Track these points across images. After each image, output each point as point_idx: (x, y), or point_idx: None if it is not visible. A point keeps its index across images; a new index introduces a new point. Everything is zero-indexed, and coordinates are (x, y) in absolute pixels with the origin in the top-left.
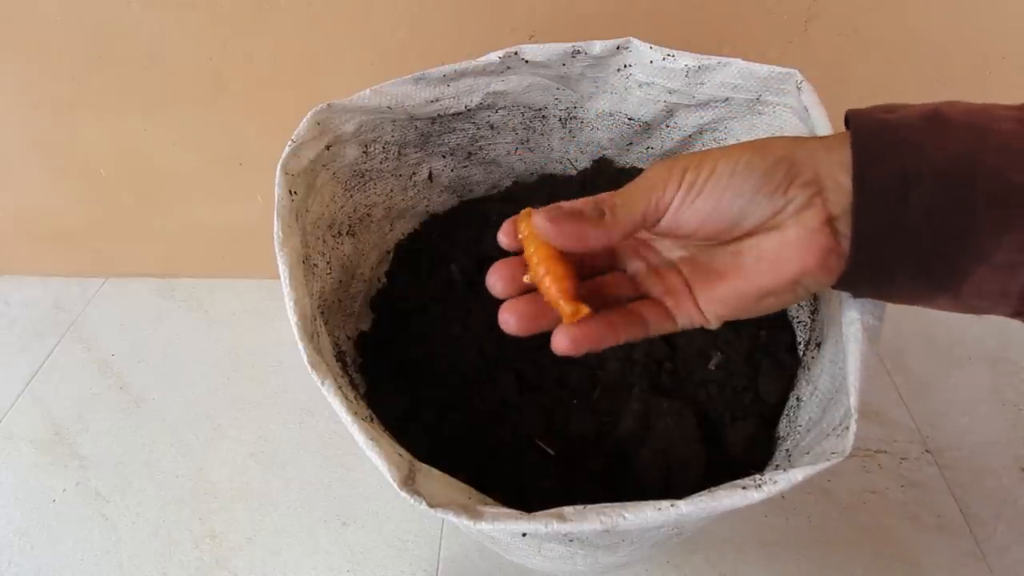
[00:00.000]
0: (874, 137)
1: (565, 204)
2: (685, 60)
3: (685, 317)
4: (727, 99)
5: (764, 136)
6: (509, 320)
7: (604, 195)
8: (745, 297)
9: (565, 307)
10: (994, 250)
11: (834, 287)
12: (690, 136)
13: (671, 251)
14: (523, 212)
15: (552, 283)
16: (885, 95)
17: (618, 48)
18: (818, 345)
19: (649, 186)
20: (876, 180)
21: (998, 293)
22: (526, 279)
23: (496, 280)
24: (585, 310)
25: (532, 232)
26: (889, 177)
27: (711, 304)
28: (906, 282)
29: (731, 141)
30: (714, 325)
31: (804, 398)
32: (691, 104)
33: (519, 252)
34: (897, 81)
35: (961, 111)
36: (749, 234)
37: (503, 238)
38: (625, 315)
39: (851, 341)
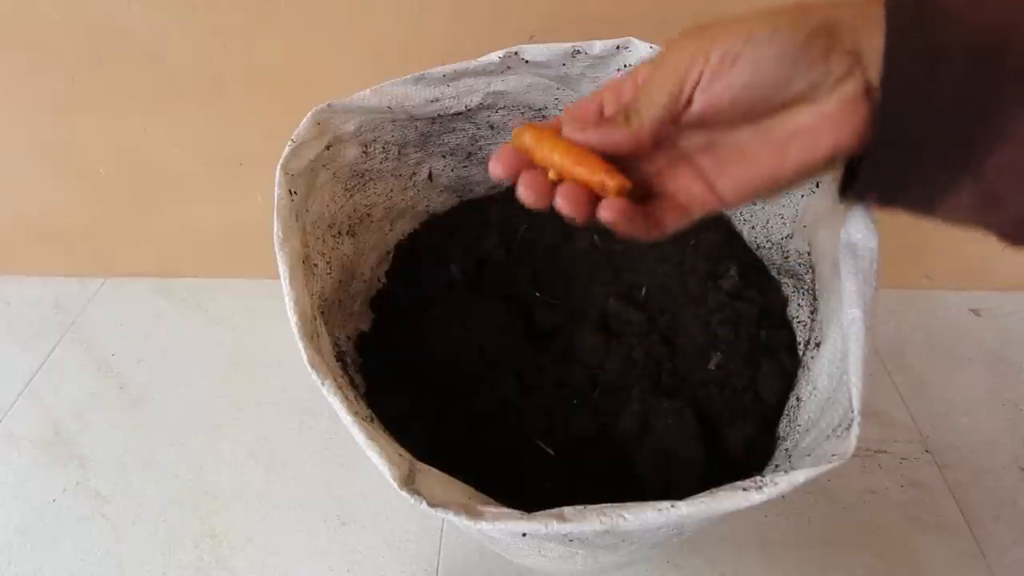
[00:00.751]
0: (910, 8)
1: (586, 109)
2: None
3: (699, 207)
4: None
5: None
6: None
7: (626, 87)
8: (775, 180)
9: (610, 181)
10: (1019, 125)
11: (860, 172)
12: None
13: (690, 138)
14: (520, 129)
15: (590, 165)
16: None
17: (618, 48)
18: (817, 345)
19: (672, 72)
20: (906, 54)
21: (1021, 172)
22: (552, 176)
23: (526, 190)
24: (628, 182)
25: (544, 136)
26: (919, 52)
27: (733, 190)
28: (932, 162)
29: None
30: (735, 206)
31: (804, 398)
32: None
33: (514, 180)
34: None
35: None
36: (783, 107)
37: (498, 166)
38: (646, 213)
39: (852, 340)
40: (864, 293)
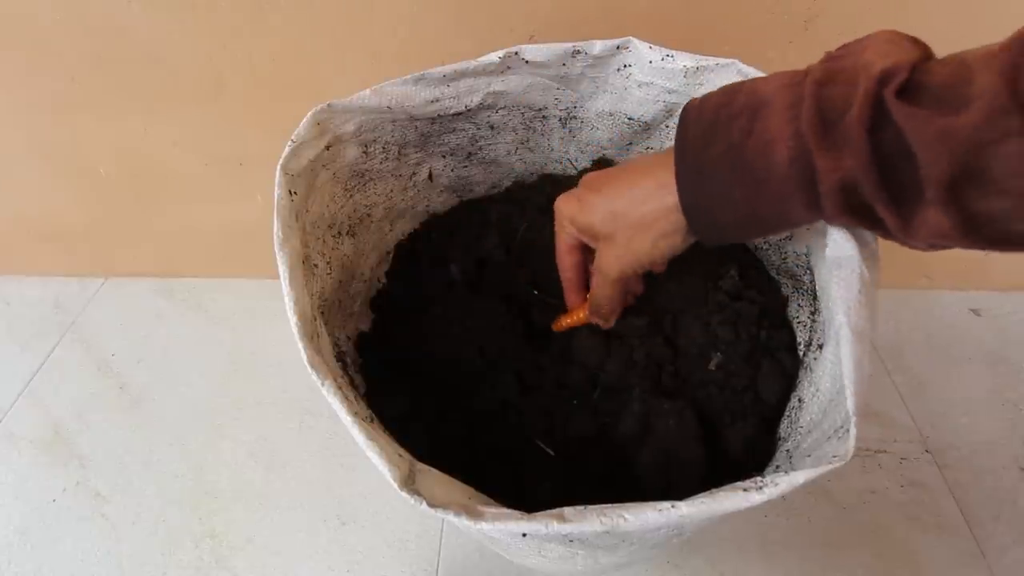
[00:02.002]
0: (686, 165)
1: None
2: (684, 61)
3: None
4: None
5: None
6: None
7: (597, 315)
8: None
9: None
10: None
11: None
12: None
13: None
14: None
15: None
16: None
17: (618, 48)
18: (820, 347)
19: (619, 297)
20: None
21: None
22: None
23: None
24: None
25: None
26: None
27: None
28: (729, 234)
29: None
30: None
31: (806, 399)
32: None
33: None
34: None
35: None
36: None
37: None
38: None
39: (843, 344)
40: (847, 299)
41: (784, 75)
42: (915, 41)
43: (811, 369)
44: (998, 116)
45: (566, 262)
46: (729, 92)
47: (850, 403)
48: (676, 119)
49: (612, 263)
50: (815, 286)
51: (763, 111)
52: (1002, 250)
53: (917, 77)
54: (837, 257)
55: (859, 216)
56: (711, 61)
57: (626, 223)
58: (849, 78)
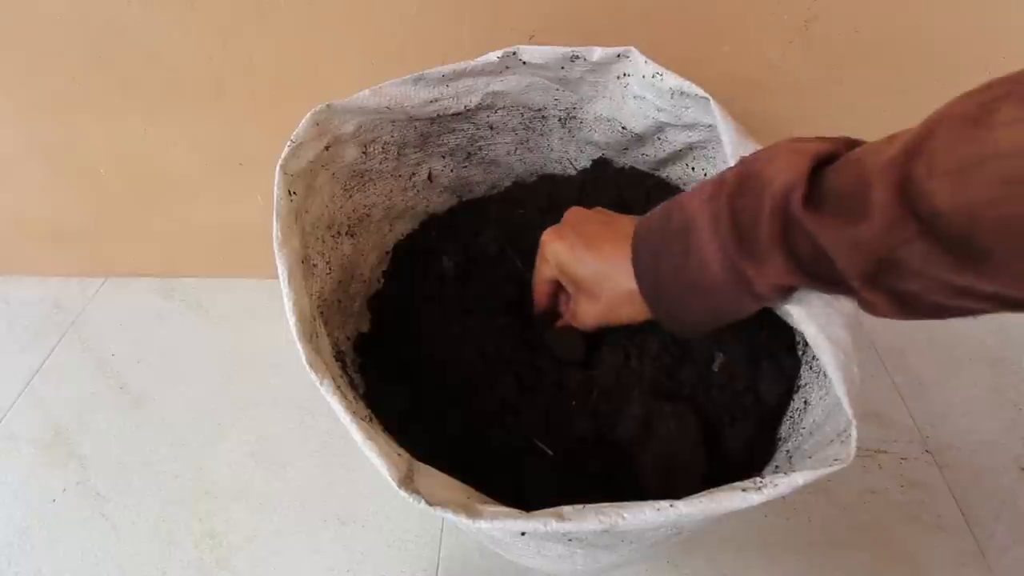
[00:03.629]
0: (645, 282)
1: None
2: (670, 81)
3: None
4: (710, 125)
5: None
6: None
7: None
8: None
9: None
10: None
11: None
12: (680, 151)
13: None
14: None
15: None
16: (885, 95)
17: (618, 56)
18: None
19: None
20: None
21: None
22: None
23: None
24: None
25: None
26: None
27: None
28: (700, 329)
29: (719, 161)
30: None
31: (813, 402)
32: (678, 124)
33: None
34: (897, 81)
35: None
36: None
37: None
38: None
39: (823, 353)
40: (814, 314)
41: (706, 188)
42: (821, 141)
43: (824, 375)
44: (897, 226)
45: (542, 290)
46: (667, 211)
47: (847, 408)
48: (667, 135)
49: (592, 318)
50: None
51: (693, 231)
52: (943, 317)
53: (820, 185)
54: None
55: (810, 291)
56: (692, 89)
57: (612, 292)
58: (757, 192)
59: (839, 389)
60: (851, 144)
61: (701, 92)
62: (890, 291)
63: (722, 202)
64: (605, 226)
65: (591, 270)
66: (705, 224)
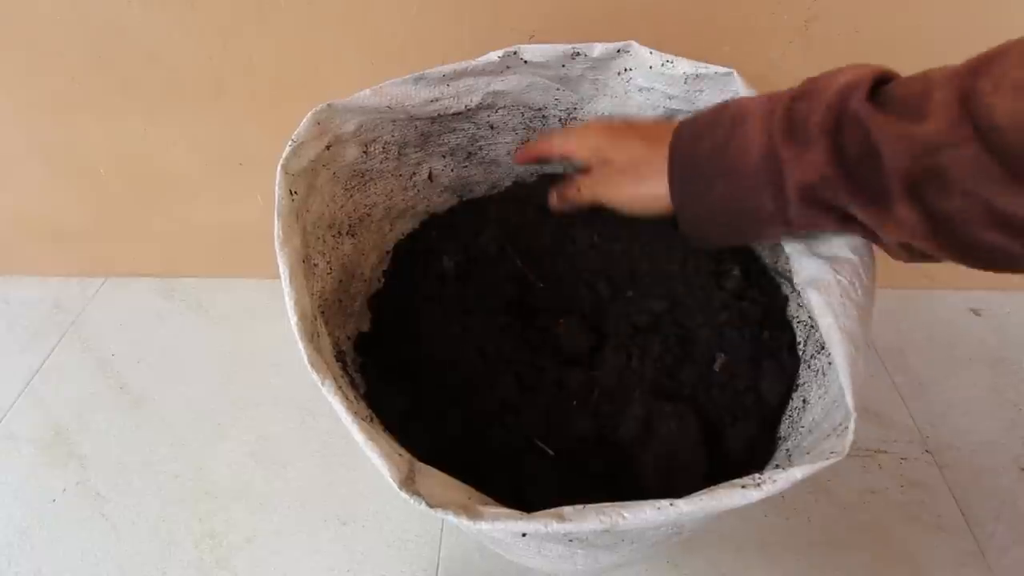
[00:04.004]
0: (679, 159)
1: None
2: (683, 67)
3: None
4: None
5: None
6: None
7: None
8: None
9: None
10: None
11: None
12: None
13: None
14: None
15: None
16: None
17: (619, 51)
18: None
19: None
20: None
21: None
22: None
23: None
24: None
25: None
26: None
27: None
28: (717, 236)
29: None
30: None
31: (812, 400)
32: (690, 110)
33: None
34: None
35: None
36: None
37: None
38: None
39: (834, 344)
40: (831, 303)
41: (768, 94)
42: (883, 68)
43: (823, 373)
44: (954, 127)
45: (545, 150)
46: (719, 108)
47: (849, 400)
48: None
49: (612, 193)
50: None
51: (745, 120)
52: (973, 262)
53: (883, 88)
54: (818, 264)
55: (828, 215)
56: (710, 69)
57: (643, 176)
58: (819, 93)
59: (844, 381)
60: None
61: (722, 69)
62: (927, 208)
63: (781, 102)
64: (651, 126)
65: (629, 153)
66: (757, 116)
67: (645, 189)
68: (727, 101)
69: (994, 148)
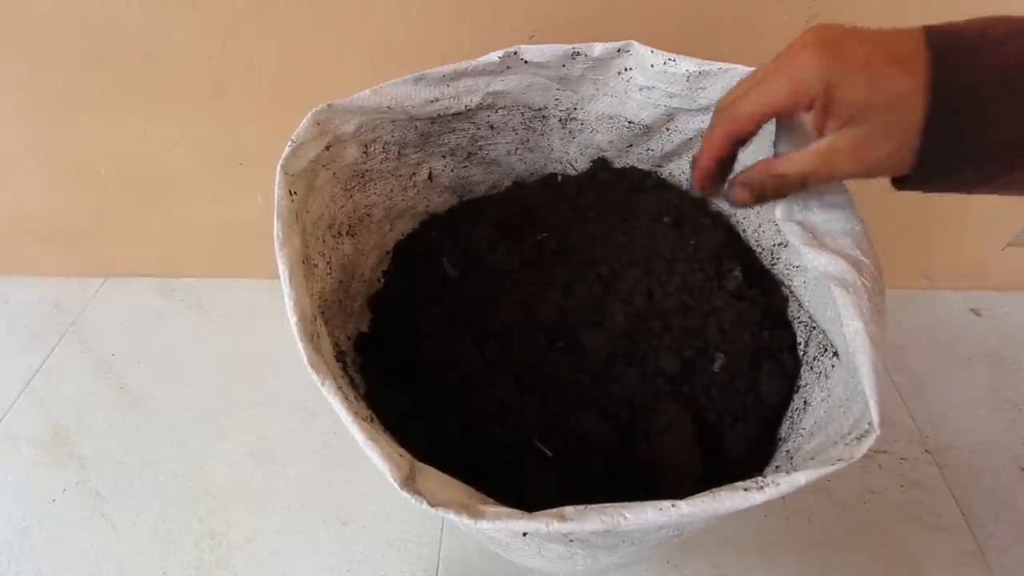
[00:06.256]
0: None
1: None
2: (686, 65)
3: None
4: None
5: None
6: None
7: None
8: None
9: None
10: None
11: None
12: (691, 139)
13: None
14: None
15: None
16: None
17: (619, 51)
18: (835, 354)
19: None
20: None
21: None
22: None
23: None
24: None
25: None
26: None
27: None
28: (971, 176)
29: None
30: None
31: (813, 403)
32: (692, 109)
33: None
34: None
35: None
36: None
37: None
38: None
39: (859, 353)
40: (860, 305)
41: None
42: None
43: (826, 375)
44: None
45: (743, 121)
46: (978, 23)
47: (874, 414)
48: (677, 123)
49: (848, 160)
50: (805, 293)
51: None
52: None
53: None
54: (838, 268)
55: None
56: (714, 66)
57: (885, 121)
58: None
59: (869, 392)
60: None
61: (726, 65)
62: None
63: None
64: (875, 45)
65: (887, 87)
66: None
67: (904, 138)
68: (984, 18)
69: None
